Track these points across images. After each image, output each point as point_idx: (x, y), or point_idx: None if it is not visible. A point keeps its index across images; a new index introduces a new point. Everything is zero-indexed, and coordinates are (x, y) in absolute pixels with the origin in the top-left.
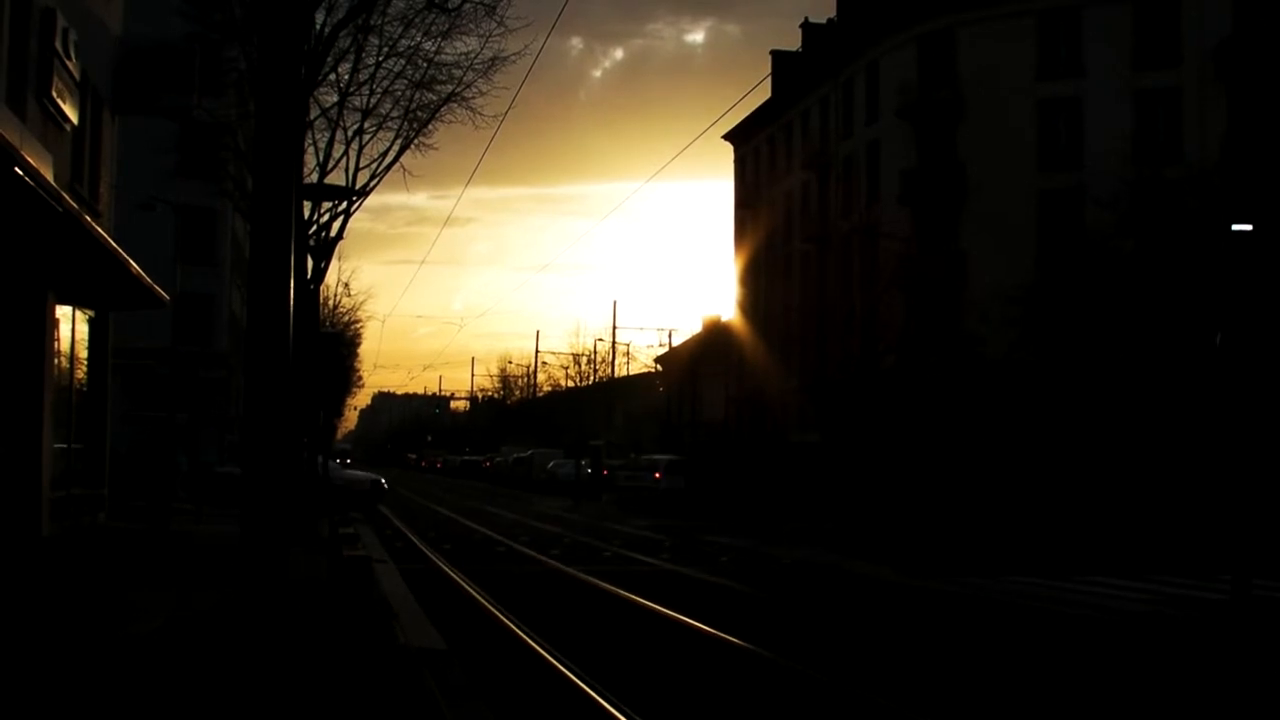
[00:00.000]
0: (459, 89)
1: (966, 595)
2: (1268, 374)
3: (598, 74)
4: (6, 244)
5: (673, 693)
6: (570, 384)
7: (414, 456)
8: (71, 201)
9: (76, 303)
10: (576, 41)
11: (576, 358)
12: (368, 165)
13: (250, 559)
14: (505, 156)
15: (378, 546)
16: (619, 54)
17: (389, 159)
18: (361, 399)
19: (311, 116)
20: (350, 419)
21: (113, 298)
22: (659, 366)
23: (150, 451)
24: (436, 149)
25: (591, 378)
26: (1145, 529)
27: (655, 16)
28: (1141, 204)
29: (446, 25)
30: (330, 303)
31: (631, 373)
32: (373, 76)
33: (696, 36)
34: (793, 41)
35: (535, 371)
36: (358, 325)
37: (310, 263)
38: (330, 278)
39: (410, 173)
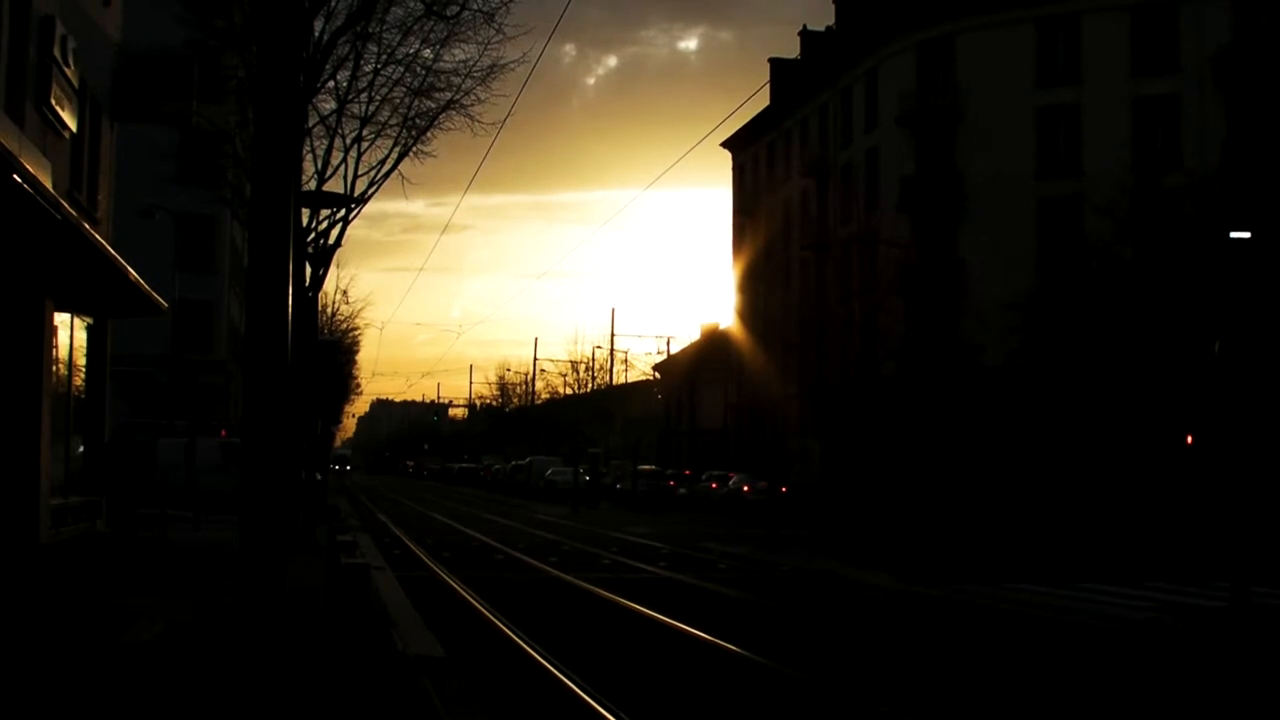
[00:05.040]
0: (457, 96)
1: (965, 602)
2: (1266, 381)
3: (591, 81)
4: (5, 251)
5: (670, 700)
6: (569, 391)
7: (411, 464)
8: (70, 209)
9: (75, 310)
10: (570, 48)
11: (575, 365)
12: (366, 172)
13: (248, 566)
14: (502, 164)
15: (376, 554)
16: (612, 61)
17: (387, 166)
18: (360, 406)
19: (310, 124)
20: (349, 426)
21: (111, 305)
22: (657, 374)
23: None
24: (435, 156)
25: (590, 385)
26: (1143, 536)
27: (648, 23)
28: (1140, 211)
29: (445, 33)
30: (328, 310)
31: (630, 380)
32: (371, 84)
33: (690, 43)
34: (787, 48)
35: (534, 379)
36: (356, 332)
37: (309, 270)
38: (328, 285)
39: (408, 180)
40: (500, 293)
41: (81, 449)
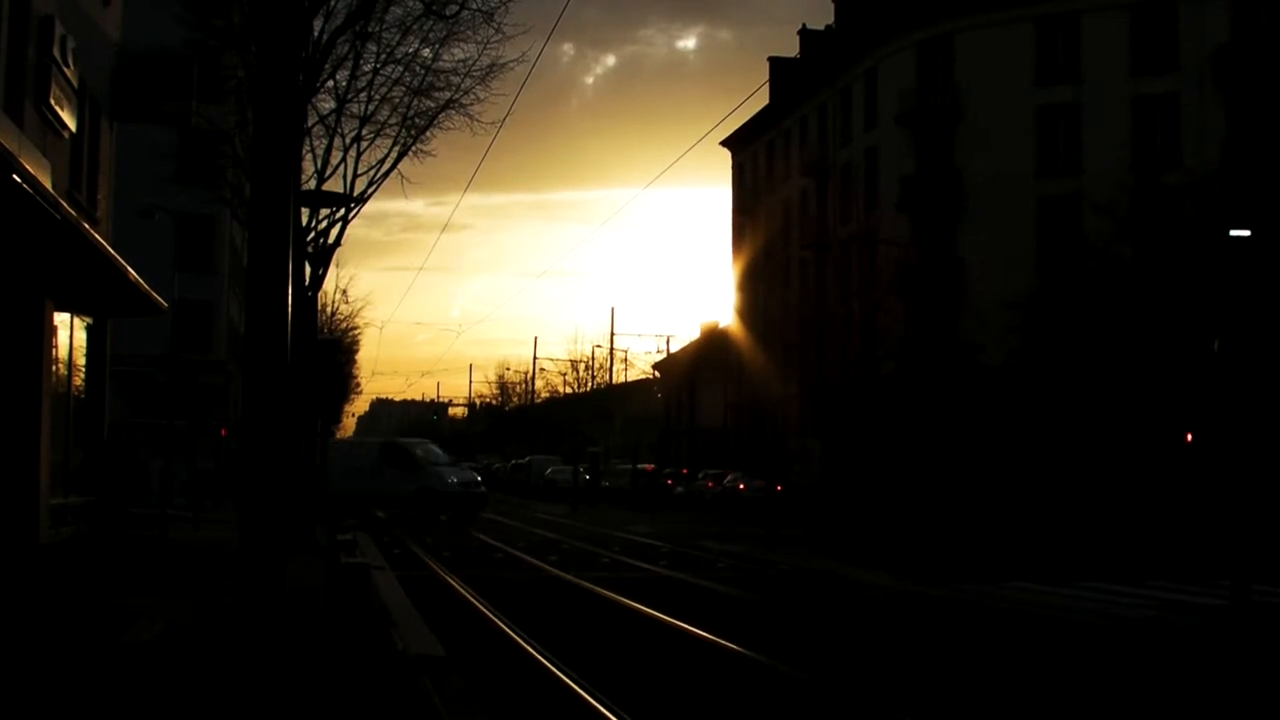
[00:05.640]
0: (457, 95)
1: (965, 601)
2: (1266, 379)
3: (590, 80)
4: (5, 251)
5: (672, 699)
6: (568, 390)
7: None
8: (70, 209)
9: (75, 310)
10: (568, 48)
11: (575, 364)
12: (365, 172)
13: (248, 566)
14: (501, 163)
15: (376, 553)
16: (611, 60)
17: (387, 166)
18: (360, 406)
19: (309, 123)
20: (349, 425)
21: (111, 305)
22: (657, 373)
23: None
24: (434, 156)
25: (590, 384)
26: (1144, 534)
27: (646, 23)
28: (1140, 210)
29: (444, 32)
30: (328, 309)
31: (630, 379)
32: (371, 83)
33: (688, 43)
34: (785, 47)
35: (533, 378)
36: (356, 332)
37: (308, 269)
38: (328, 284)
39: (408, 179)
40: (500, 292)
41: (81, 449)
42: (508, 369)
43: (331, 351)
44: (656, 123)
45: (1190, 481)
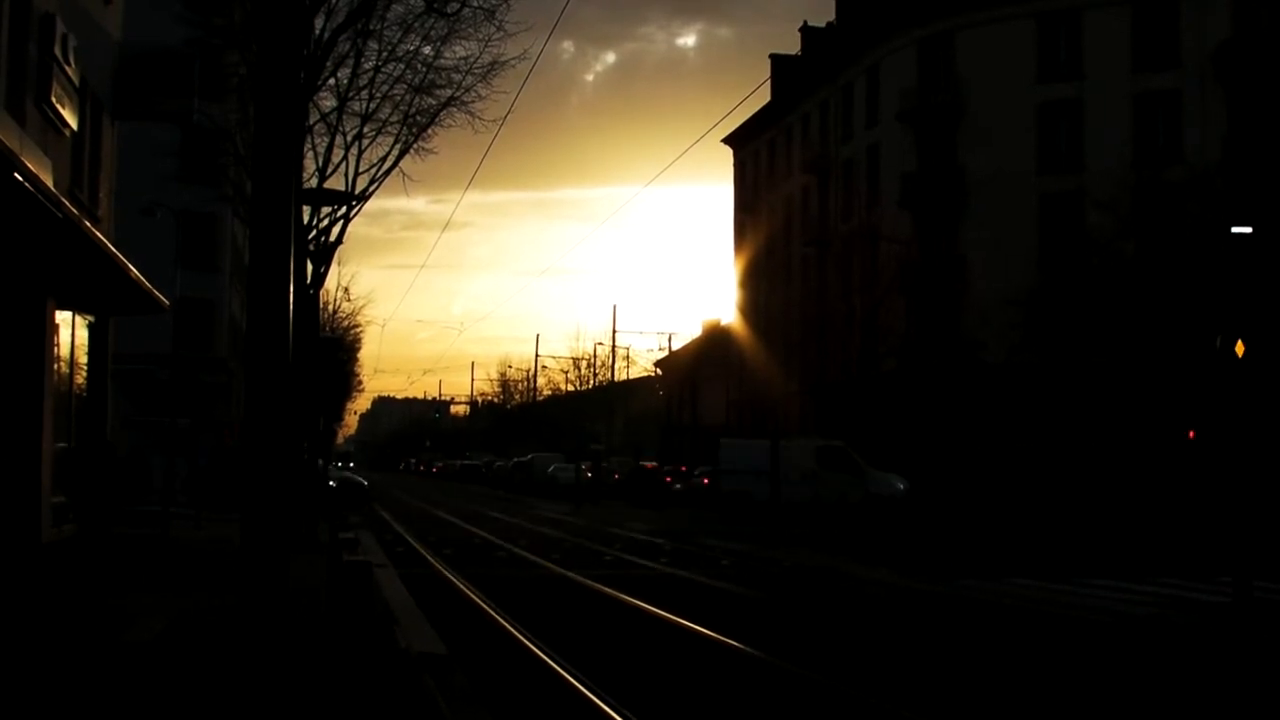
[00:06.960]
0: (458, 93)
1: (968, 598)
2: (1268, 377)
3: (590, 78)
4: (6, 249)
5: (674, 696)
6: (570, 388)
7: (414, 461)
8: (71, 207)
9: (77, 308)
10: (568, 45)
11: (576, 362)
12: (367, 170)
13: (250, 564)
14: (502, 161)
15: (378, 551)
16: (610, 57)
17: (388, 164)
18: (361, 403)
19: (311, 121)
20: (350, 423)
21: (113, 303)
22: (659, 370)
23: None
24: (435, 153)
25: (591, 382)
26: (1147, 531)
27: (647, 20)
28: (1142, 207)
29: (445, 30)
30: (330, 307)
31: (631, 377)
32: (372, 81)
33: (688, 40)
34: (786, 44)
35: (535, 375)
36: (357, 330)
37: (310, 267)
38: (330, 282)
39: (409, 177)
40: (501, 290)
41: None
42: (509, 367)
43: (333, 349)
44: (657, 120)
45: (1192, 478)
